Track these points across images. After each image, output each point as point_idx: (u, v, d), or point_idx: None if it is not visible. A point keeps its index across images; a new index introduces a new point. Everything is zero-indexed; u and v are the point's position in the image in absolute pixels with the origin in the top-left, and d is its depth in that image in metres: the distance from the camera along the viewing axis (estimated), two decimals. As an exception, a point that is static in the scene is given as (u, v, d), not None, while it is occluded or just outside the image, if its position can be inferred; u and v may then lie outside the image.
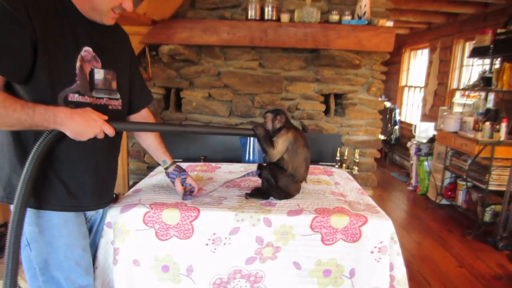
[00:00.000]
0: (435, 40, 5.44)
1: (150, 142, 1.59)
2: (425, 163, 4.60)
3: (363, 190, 1.84)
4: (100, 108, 1.25)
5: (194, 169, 2.06)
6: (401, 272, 1.43)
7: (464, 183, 3.75)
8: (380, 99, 3.34)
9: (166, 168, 1.59)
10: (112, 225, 1.42)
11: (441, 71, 5.27)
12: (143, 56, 2.91)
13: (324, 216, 1.40)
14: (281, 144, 1.48)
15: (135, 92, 1.48)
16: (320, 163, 2.99)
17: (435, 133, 4.66)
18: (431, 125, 5.00)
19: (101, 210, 1.42)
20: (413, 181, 4.88)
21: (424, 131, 5.01)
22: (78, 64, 1.19)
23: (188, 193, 1.56)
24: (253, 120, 3.12)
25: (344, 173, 2.10)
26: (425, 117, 5.59)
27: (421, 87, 6.04)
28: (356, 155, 3.17)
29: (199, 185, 1.70)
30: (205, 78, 3.17)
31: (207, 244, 1.41)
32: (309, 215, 1.41)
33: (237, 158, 2.92)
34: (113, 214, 1.43)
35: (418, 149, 4.85)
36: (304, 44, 2.86)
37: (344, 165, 3.18)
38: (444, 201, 4.17)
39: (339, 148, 3.21)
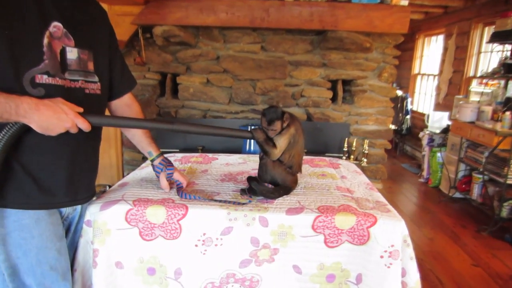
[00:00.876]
0: (452, 25, 5.19)
1: (134, 131, 1.44)
2: (438, 154, 4.41)
3: (372, 184, 1.67)
4: (75, 92, 1.12)
5: (189, 160, 1.92)
6: (414, 279, 1.28)
7: (480, 176, 3.55)
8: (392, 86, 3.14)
9: (152, 161, 1.45)
10: (92, 223, 1.28)
11: (457, 58, 5.04)
12: (136, 39, 2.75)
13: (327, 216, 1.25)
14: (284, 141, 1.36)
15: (116, 75, 1.33)
16: (327, 154, 2.82)
17: (449, 123, 4.46)
18: (445, 114, 4.78)
19: (79, 207, 1.28)
20: (424, 173, 4.70)
21: (438, 121, 4.80)
22: (45, 40, 1.04)
23: (176, 188, 1.42)
24: (254, 108, 2.95)
25: (351, 166, 1.93)
26: (439, 107, 5.38)
27: (434, 75, 5.83)
28: (365, 146, 2.98)
29: (190, 179, 1.56)
30: (203, 63, 3.00)
31: (196, 245, 1.27)
32: (310, 214, 1.25)
33: (237, 148, 2.77)
34: (92, 211, 1.29)
35: (431, 140, 4.67)
36: (310, 25, 2.65)
37: (352, 156, 3.00)
38: (457, 195, 3.98)
39: (347, 139, 3.02)
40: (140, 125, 1.34)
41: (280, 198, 1.37)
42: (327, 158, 2.03)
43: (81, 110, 1.06)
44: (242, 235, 1.25)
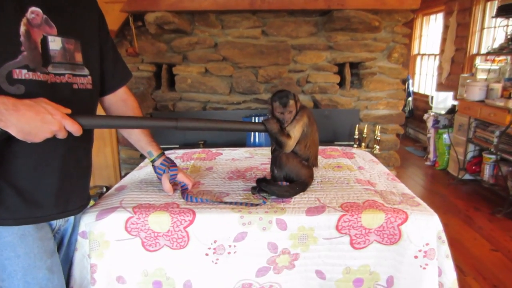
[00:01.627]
0: (452, 2, 5.02)
1: (132, 130, 1.29)
2: (444, 136, 4.30)
3: (393, 174, 1.54)
4: (61, 88, 0.97)
5: (191, 157, 1.77)
6: (451, 278, 1.15)
7: (491, 156, 3.44)
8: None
9: (152, 161, 1.30)
10: (87, 235, 1.14)
11: (459, 36, 4.89)
12: (127, 27, 2.56)
13: (353, 214, 1.11)
14: (298, 130, 1.23)
15: (108, 67, 1.19)
16: (336, 142, 2.68)
17: (454, 103, 4.32)
18: (449, 94, 4.63)
19: (72, 217, 1.14)
20: (431, 155, 4.58)
21: (442, 101, 4.64)
22: (22, 29, 0.90)
23: (181, 190, 1.28)
24: (257, 97, 2.79)
25: (367, 155, 1.79)
26: (442, 87, 5.24)
27: (435, 55, 5.68)
28: (377, 132, 2.83)
29: (195, 178, 1.41)
30: (200, 51, 2.82)
31: (207, 254, 1.13)
32: (334, 213, 1.12)
33: (241, 141, 2.62)
34: (87, 221, 1.15)
35: (436, 121, 4.55)
36: (314, 4, 2.48)
37: (363, 144, 2.85)
38: (467, 176, 3.88)
39: (357, 125, 2.87)
40: (139, 125, 1.19)
41: (297, 196, 1.24)
42: (339, 148, 1.89)
43: (68, 111, 0.91)
44: (258, 240, 1.12)
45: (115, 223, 1.13)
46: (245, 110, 2.86)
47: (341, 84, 2.96)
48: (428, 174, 4.28)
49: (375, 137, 2.85)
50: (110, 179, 2.70)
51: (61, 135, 0.90)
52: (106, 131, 2.85)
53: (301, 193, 1.26)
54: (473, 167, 3.76)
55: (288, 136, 1.22)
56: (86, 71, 1.06)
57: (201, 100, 2.92)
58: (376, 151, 2.82)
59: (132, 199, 1.23)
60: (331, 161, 1.63)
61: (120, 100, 1.27)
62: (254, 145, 2.52)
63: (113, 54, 1.22)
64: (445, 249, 1.14)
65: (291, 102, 1.21)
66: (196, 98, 2.91)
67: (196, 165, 1.64)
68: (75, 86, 1.03)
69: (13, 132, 0.84)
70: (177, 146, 2.69)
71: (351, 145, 2.83)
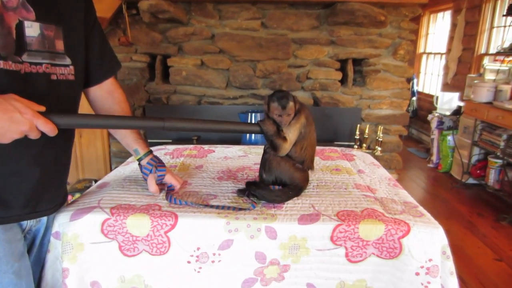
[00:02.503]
0: (461, 0, 4.86)
1: None
2: (449, 138, 4.18)
3: (395, 179, 1.44)
4: (36, 79, 0.88)
5: (181, 153, 1.67)
6: (455, 298, 1.05)
7: (497, 160, 3.33)
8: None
9: (139, 160, 1.21)
10: (61, 236, 1.05)
11: (467, 35, 4.76)
12: (121, 16, 2.45)
13: (350, 224, 1.01)
14: (294, 133, 1.15)
15: (94, 56, 1.09)
16: (336, 143, 2.58)
17: (460, 104, 4.20)
18: (455, 95, 4.51)
19: (45, 217, 1.05)
20: (434, 157, 4.47)
21: (447, 102, 4.52)
22: None
23: (166, 190, 1.19)
24: (254, 92, 2.68)
25: (367, 157, 1.69)
26: (447, 87, 5.12)
27: (442, 54, 5.54)
28: (379, 133, 2.71)
29: (182, 177, 1.32)
30: (196, 42, 2.71)
31: (189, 262, 1.04)
32: (328, 222, 1.02)
33: (237, 139, 2.52)
34: (61, 221, 1.06)
35: (440, 123, 4.42)
36: (318, -5, 2.36)
37: (364, 145, 2.74)
38: (471, 180, 3.76)
39: (358, 125, 2.75)
40: (123, 125, 1.08)
41: (290, 202, 1.14)
42: (338, 149, 1.79)
43: (42, 109, 0.82)
44: (244, 249, 1.03)
45: (90, 224, 1.05)
46: (241, 106, 2.75)
47: (343, 81, 2.85)
48: (430, 177, 4.17)
49: (377, 138, 2.73)
50: (100, 172, 2.61)
51: (33, 136, 0.81)
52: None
53: (295, 198, 1.16)
54: (478, 171, 3.64)
55: (284, 139, 1.14)
56: (67, 61, 0.96)
57: (196, 94, 2.81)
58: (378, 153, 2.71)
59: (112, 199, 1.14)
60: (329, 163, 1.53)
61: (107, 93, 1.17)
62: (250, 142, 2.42)
63: (101, 42, 1.12)
64: (450, 265, 1.04)
65: (291, 104, 1.12)
66: (191, 91, 2.80)
67: (186, 162, 1.54)
68: (54, 77, 0.93)
69: None
70: (170, 141, 2.59)
71: (352, 146, 2.72)
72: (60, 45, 0.94)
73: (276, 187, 1.18)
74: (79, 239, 1.04)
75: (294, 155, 1.18)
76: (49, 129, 0.82)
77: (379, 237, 1.01)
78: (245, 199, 1.16)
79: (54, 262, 1.08)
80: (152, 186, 1.17)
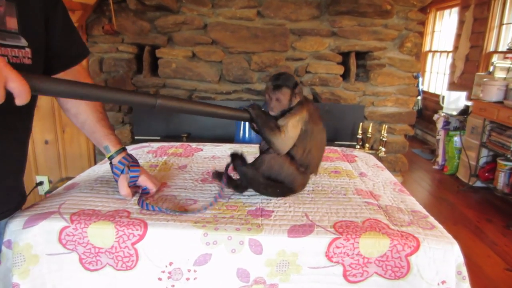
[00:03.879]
0: (470, -4, 4.71)
1: (85, 117, 1.06)
2: (455, 138, 4.03)
3: (401, 184, 1.29)
4: None
5: (166, 152, 1.53)
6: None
7: (507, 163, 3.17)
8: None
9: (110, 158, 1.07)
10: (12, 246, 0.91)
11: (475, 32, 4.62)
12: (106, 3, 2.29)
13: (348, 238, 0.86)
14: (294, 127, 1.00)
15: (57, 39, 0.95)
16: (337, 142, 2.41)
17: (468, 103, 4.04)
18: (462, 94, 4.35)
19: (-5, 224, 0.91)
20: (439, 159, 4.31)
21: (454, 101, 4.36)
22: None
23: (140, 193, 1.04)
24: (249, 87, 2.52)
25: (370, 158, 1.54)
26: (454, 86, 4.97)
27: (448, 52, 5.41)
28: (384, 132, 2.54)
29: (162, 179, 1.18)
30: (187, 32, 2.55)
31: (160, 279, 0.90)
32: (324, 235, 0.87)
33: (230, 136, 2.37)
34: (13, 229, 0.92)
35: (447, 123, 4.27)
36: (318, -18, 2.20)
37: (367, 145, 2.57)
38: (478, 183, 3.61)
39: (361, 123, 2.58)
40: (113, 98, 0.84)
41: (280, 209, 0.99)
42: (338, 149, 1.63)
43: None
44: (225, 265, 0.88)
45: (46, 233, 0.90)
46: (235, 101, 2.59)
47: (345, 76, 2.68)
48: (435, 179, 4.01)
49: (381, 137, 2.56)
50: (83, 170, 2.46)
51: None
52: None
53: (286, 205, 1.01)
54: (486, 174, 3.48)
55: (279, 129, 0.99)
56: (22, 42, 0.82)
57: (187, 88, 2.65)
58: (382, 154, 2.54)
59: (76, 203, 1.00)
60: (328, 165, 1.38)
61: None
62: (243, 141, 2.26)
63: (64, 23, 0.98)
64: (466, 287, 0.89)
65: (285, 90, 0.99)
66: (181, 85, 2.64)
67: (169, 162, 1.39)
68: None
69: None
70: (158, 138, 2.44)
71: (353, 146, 2.56)
72: (12, 23, 0.80)
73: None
74: (33, 250, 0.90)
75: (296, 158, 1.04)
76: (21, 91, 0.63)
77: (383, 253, 0.86)
78: (222, 184, 1.02)
79: (7, 275, 0.93)
80: (123, 188, 1.03)
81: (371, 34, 2.53)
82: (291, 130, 1.00)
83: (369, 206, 1.03)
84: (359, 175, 1.30)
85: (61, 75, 1.01)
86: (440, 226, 0.98)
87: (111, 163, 1.07)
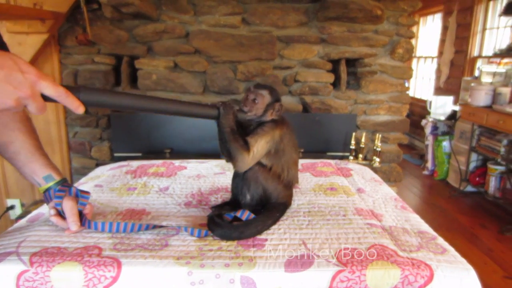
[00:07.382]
0: (452, 2, 4.77)
1: (19, 147, 0.89)
2: (444, 143, 4.01)
3: (401, 200, 1.19)
4: None
5: (146, 171, 1.40)
6: None
7: (497, 167, 3.13)
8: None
9: (47, 189, 0.91)
10: (-38, 296, 0.77)
11: (459, 37, 4.65)
12: (80, 11, 2.16)
13: (354, 270, 0.76)
14: (262, 149, 0.91)
15: None
16: (329, 153, 2.32)
17: (454, 108, 4.04)
18: (449, 99, 4.35)
19: None
20: (429, 164, 4.27)
21: (441, 106, 4.36)
22: None
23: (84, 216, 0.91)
24: (235, 98, 2.41)
25: (367, 171, 1.45)
26: (440, 91, 4.98)
27: (433, 57, 5.43)
28: (377, 142, 2.45)
29: (138, 205, 1.06)
30: (168, 41, 2.44)
31: (138, 326, 0.76)
32: (326, 268, 0.76)
33: (215, 150, 2.24)
34: (-37, 275, 0.77)
35: (435, 128, 4.26)
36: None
37: (360, 155, 2.47)
38: (469, 188, 3.56)
39: (354, 133, 2.49)
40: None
41: (274, 237, 0.88)
42: (332, 162, 1.53)
43: (47, 78, 0.59)
44: (213, 308, 0.76)
45: (1, 278, 0.77)
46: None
47: (336, 84, 2.60)
48: (426, 185, 3.96)
49: (375, 147, 2.48)
50: (59, 193, 2.31)
51: (34, 107, 0.57)
52: (55, 135, 2.42)
53: (281, 231, 0.90)
54: (477, 179, 3.45)
55: (247, 147, 0.88)
56: None
57: (169, 100, 2.52)
58: (376, 164, 2.45)
59: (38, 239, 0.86)
60: (323, 181, 1.28)
61: None
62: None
63: None
64: (485, 318, 0.79)
65: (264, 92, 0.92)
66: (163, 97, 2.52)
67: (148, 183, 1.27)
68: None
69: None
70: (140, 154, 2.31)
71: (347, 157, 2.47)
72: None
73: (247, 214, 0.93)
74: (-15, 300, 0.76)
75: (282, 178, 0.97)
76: (75, 105, 0.62)
77: (393, 286, 0.76)
78: (215, 235, 0.89)
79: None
80: (74, 221, 0.88)
81: (361, 40, 2.46)
82: (258, 152, 0.90)
83: (372, 228, 0.92)
84: (357, 192, 1.20)
85: None
86: (452, 249, 0.88)
87: (48, 195, 0.92)
